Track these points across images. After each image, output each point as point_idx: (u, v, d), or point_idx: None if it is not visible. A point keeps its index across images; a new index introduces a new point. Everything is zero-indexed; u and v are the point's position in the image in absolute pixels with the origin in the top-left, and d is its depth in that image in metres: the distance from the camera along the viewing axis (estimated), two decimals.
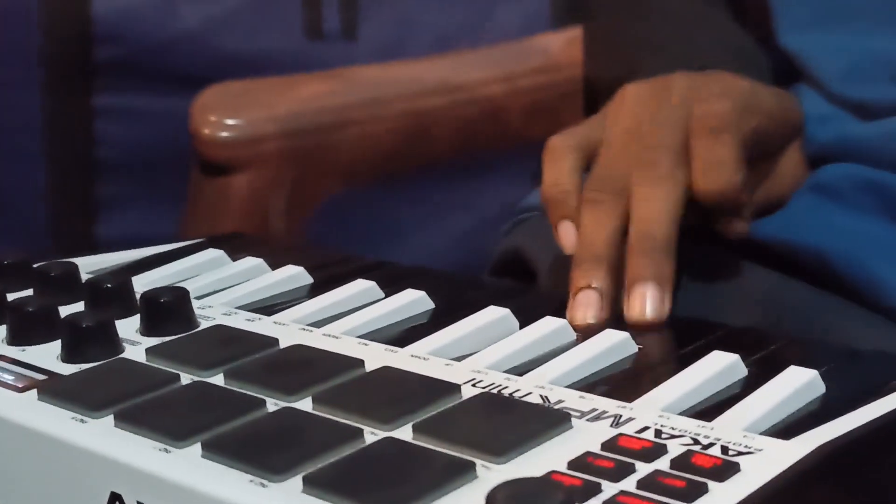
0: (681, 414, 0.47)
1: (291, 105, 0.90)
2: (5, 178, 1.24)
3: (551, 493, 0.37)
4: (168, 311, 0.56)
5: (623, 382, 0.51)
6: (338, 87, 0.95)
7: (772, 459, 0.42)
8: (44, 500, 0.47)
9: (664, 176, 0.59)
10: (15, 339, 0.56)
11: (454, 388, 0.48)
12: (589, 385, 0.51)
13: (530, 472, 0.42)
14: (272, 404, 0.48)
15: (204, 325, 0.57)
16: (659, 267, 0.58)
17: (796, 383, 0.49)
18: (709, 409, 0.48)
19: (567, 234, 0.61)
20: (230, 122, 0.87)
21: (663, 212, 0.59)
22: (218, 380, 0.51)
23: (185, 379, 0.51)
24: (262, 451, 0.44)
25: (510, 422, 0.45)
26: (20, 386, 0.51)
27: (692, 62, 0.69)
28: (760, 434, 0.45)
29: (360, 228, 1.05)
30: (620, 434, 0.44)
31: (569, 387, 0.50)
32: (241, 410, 0.47)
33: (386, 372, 0.50)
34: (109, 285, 0.59)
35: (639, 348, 0.54)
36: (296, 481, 0.42)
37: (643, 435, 0.44)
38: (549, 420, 0.45)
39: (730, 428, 0.45)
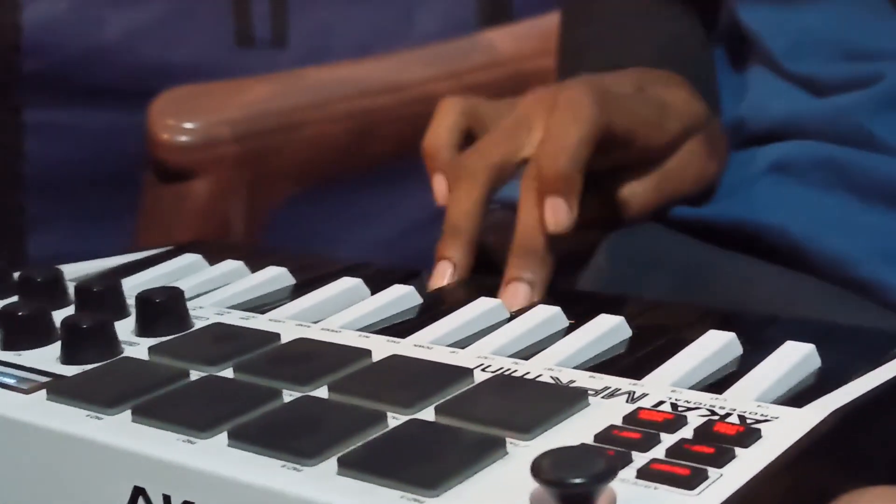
0: (690, 389, 0.49)
1: (246, 108, 0.90)
2: None
3: (594, 459, 0.39)
4: (164, 310, 0.57)
5: (627, 363, 0.53)
6: (288, 88, 0.95)
7: (790, 425, 0.44)
8: (63, 499, 0.48)
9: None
10: (9, 345, 0.56)
11: (467, 372, 0.50)
12: (595, 366, 0.52)
13: (559, 446, 0.43)
14: (288, 395, 0.49)
15: (199, 324, 0.58)
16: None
17: (796, 357, 0.51)
18: (716, 384, 0.50)
19: (439, 186, 0.66)
20: (187, 126, 0.87)
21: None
22: (227, 374, 0.51)
23: (195, 374, 0.51)
24: (291, 437, 0.44)
25: (530, 400, 0.47)
26: (26, 388, 0.51)
27: (619, 62, 0.71)
28: (772, 403, 0.47)
29: (286, 238, 1.06)
30: (640, 408, 0.46)
31: (575, 368, 0.51)
32: (258, 401, 0.48)
33: (395, 360, 0.51)
34: (100, 288, 0.59)
35: (633, 331, 0.56)
36: (330, 464, 0.43)
37: (661, 408, 0.46)
38: (568, 397, 0.47)
39: (742, 399, 0.47)
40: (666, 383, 0.49)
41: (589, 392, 0.48)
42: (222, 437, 0.45)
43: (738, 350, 0.53)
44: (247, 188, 0.88)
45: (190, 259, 0.68)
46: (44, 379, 0.52)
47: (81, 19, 1.22)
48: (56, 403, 0.50)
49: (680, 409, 0.46)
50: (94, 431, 0.47)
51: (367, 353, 0.52)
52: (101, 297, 0.59)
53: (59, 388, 0.50)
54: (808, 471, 0.43)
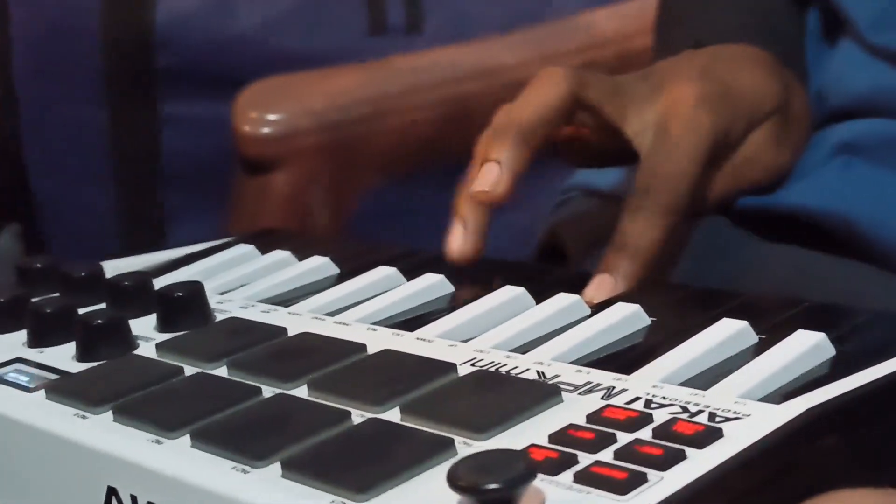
0: (682, 383, 0.46)
1: (328, 98, 0.90)
2: (75, 196, 1.26)
3: (513, 464, 0.37)
4: (182, 305, 0.57)
5: (628, 355, 0.51)
6: (374, 76, 0.95)
7: (757, 424, 0.42)
8: (48, 498, 0.49)
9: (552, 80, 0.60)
10: (34, 342, 0.57)
11: (450, 368, 0.48)
12: (595, 360, 0.50)
13: (509, 447, 0.41)
14: (269, 392, 0.48)
15: (220, 318, 0.58)
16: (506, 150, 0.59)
17: (802, 347, 0.48)
18: (711, 378, 0.47)
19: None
20: (269, 117, 0.88)
21: (535, 105, 0.59)
22: (222, 371, 0.51)
23: (189, 371, 0.51)
24: (248, 438, 0.44)
25: (498, 398, 0.45)
26: (32, 387, 0.53)
27: (706, 34, 0.68)
28: (759, 399, 0.44)
29: (411, 226, 1.05)
30: (608, 405, 0.44)
31: (574, 362, 0.50)
32: (236, 399, 0.48)
33: (385, 355, 0.51)
34: (127, 284, 0.60)
35: (652, 321, 0.54)
36: (277, 467, 0.42)
37: (632, 405, 0.44)
38: (538, 394, 0.45)
39: (725, 395, 0.44)
40: (655, 378, 0.47)
41: (567, 388, 0.46)
42: (188, 438, 0.45)
43: (751, 339, 0.50)
44: (330, 179, 0.88)
45: (242, 250, 0.69)
46: (54, 377, 0.53)
47: (214, 11, 1.24)
48: (53, 402, 0.51)
49: (653, 406, 0.44)
50: (75, 431, 0.48)
51: (362, 347, 0.52)
52: (129, 293, 0.60)
53: (58, 388, 0.51)
54: (769, 472, 0.41)
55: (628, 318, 0.53)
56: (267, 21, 1.25)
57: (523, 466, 0.38)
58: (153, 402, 0.48)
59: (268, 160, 0.88)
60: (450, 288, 0.61)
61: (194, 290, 0.58)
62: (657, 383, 0.46)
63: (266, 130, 0.88)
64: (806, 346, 0.48)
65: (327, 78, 0.96)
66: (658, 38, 0.80)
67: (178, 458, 0.44)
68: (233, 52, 1.24)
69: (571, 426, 0.43)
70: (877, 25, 0.67)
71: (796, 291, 0.60)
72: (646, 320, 0.54)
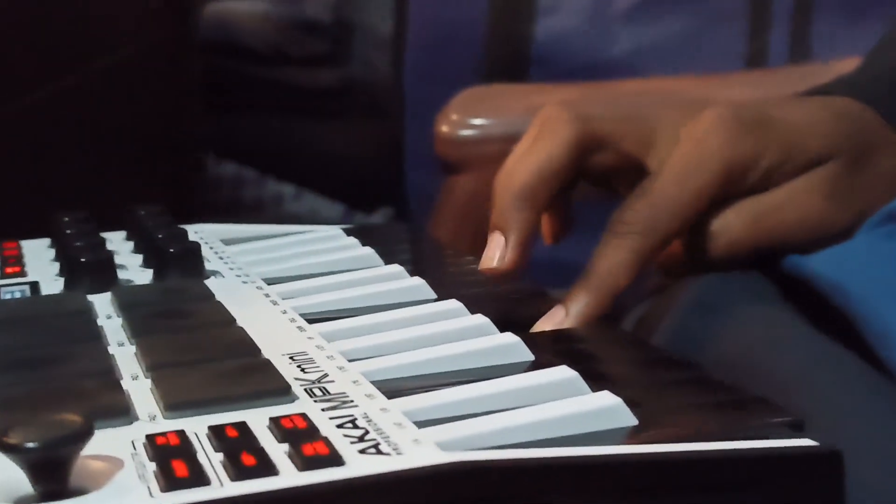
0: (434, 418, 0.40)
1: (526, 110, 0.85)
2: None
3: (66, 427, 0.34)
4: (171, 260, 0.57)
5: (445, 384, 0.44)
6: (585, 96, 0.88)
7: (391, 463, 0.35)
8: None
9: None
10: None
11: (253, 352, 0.45)
12: (402, 386, 0.44)
13: (174, 429, 0.38)
14: (108, 341, 0.47)
15: (211, 278, 0.57)
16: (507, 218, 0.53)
17: (589, 407, 0.40)
18: (475, 416, 0.40)
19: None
20: (468, 121, 0.85)
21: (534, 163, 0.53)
22: (118, 321, 0.50)
23: (97, 315, 0.51)
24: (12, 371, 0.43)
25: (232, 385, 0.41)
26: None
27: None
28: (489, 448, 0.37)
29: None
30: (299, 414, 0.39)
31: (381, 381, 0.43)
32: (73, 339, 0.47)
33: (230, 331, 0.48)
34: (162, 237, 0.59)
35: (531, 358, 0.46)
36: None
37: (326, 422, 0.38)
38: (267, 390, 0.41)
39: (435, 436, 0.37)
40: (411, 406, 0.40)
41: (318, 396, 0.41)
42: None
43: (575, 390, 0.42)
44: None
45: (331, 232, 0.67)
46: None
47: (592, 35, 1.21)
48: None
49: (346, 427, 0.38)
50: None
51: (232, 321, 0.49)
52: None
53: None
54: None
55: (500, 348, 0.47)
56: (642, 48, 1.20)
57: (70, 432, 0.34)
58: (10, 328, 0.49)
59: (455, 162, 0.85)
60: (431, 294, 0.55)
61: (186, 249, 0.57)
62: (394, 409, 0.40)
63: (460, 133, 0.85)
64: (595, 407, 0.40)
65: (539, 92, 0.91)
66: None
67: None
68: (602, 75, 1.20)
69: (238, 424, 0.38)
70: None
71: (760, 358, 0.49)
72: (524, 356, 0.47)
